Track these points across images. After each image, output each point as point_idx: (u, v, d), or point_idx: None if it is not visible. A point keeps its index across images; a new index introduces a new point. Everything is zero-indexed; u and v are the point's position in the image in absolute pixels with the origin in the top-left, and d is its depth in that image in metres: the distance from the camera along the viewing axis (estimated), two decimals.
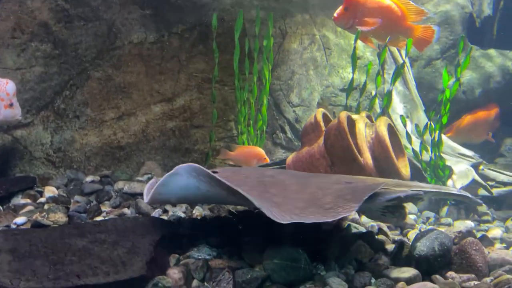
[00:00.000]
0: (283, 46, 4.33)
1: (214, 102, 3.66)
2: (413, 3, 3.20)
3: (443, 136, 3.97)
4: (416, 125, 3.68)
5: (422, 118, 4.04)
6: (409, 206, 3.20)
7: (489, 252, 2.39)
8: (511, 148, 4.72)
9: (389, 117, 3.92)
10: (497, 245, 2.64)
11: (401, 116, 3.75)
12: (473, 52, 4.66)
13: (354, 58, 3.43)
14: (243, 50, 3.66)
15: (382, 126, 2.91)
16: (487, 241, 2.59)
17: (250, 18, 4.00)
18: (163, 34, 3.89)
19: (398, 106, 4.05)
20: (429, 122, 3.40)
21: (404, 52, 4.11)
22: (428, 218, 3.07)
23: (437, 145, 3.30)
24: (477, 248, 2.21)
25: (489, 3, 4.54)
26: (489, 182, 3.39)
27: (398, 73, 3.53)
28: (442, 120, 3.33)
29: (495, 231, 2.80)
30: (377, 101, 4.14)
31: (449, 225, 2.95)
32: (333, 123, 2.92)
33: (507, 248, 2.59)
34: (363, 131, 2.95)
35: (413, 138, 3.71)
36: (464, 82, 4.58)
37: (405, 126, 3.68)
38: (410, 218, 2.97)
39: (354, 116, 3.06)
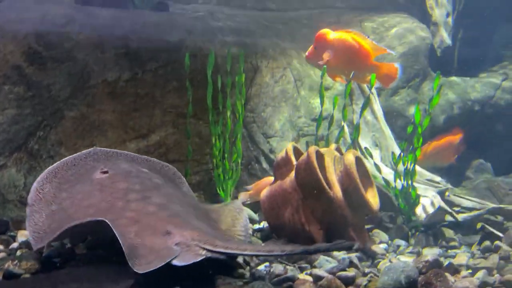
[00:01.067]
0: (255, 80, 4.42)
1: (189, 138, 3.69)
2: (376, 43, 3.37)
3: None
4: (393, 153, 3.77)
5: (390, 146, 4.15)
6: (380, 235, 3.26)
7: (455, 281, 2.45)
8: (478, 170, 4.88)
9: (359, 146, 4.01)
10: (463, 272, 2.71)
11: (366, 148, 3.86)
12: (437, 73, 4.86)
13: (321, 92, 3.54)
14: (216, 86, 3.73)
15: (349, 158, 2.98)
16: (453, 269, 2.66)
17: (222, 54, 4.09)
18: (137, 71, 3.93)
19: (367, 136, 4.16)
20: (401, 154, 3.51)
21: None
22: (398, 247, 3.13)
23: (410, 174, 3.39)
24: (442, 279, 2.28)
25: (448, 34, 4.75)
26: (455, 208, 3.49)
27: (365, 105, 3.65)
28: (416, 153, 3.43)
29: (461, 258, 2.88)
30: (347, 131, 4.24)
31: (417, 253, 3.01)
32: (302, 158, 2.98)
33: (472, 274, 2.67)
34: (332, 164, 3.02)
35: (383, 167, 3.81)
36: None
37: (371, 157, 3.78)
38: (381, 247, 3.03)
39: (323, 150, 3.13)
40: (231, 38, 4.54)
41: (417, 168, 4.04)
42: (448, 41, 4.73)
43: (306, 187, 2.96)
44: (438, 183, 3.87)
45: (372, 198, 3.07)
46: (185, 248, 2.10)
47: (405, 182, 3.41)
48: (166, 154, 3.92)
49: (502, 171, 4.63)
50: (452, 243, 3.21)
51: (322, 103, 3.55)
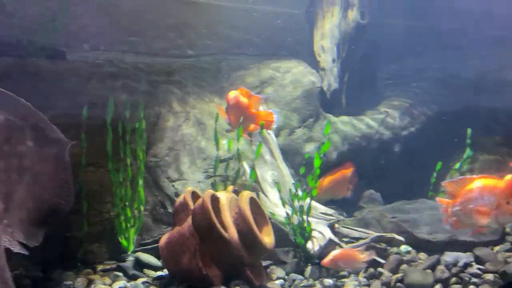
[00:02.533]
0: (158, 125, 4.42)
1: (81, 191, 3.51)
2: (252, 93, 3.70)
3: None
4: (290, 190, 3.95)
5: (288, 183, 4.34)
6: (277, 271, 3.36)
7: None
8: (369, 200, 5.25)
9: (260, 185, 4.16)
10: None
11: (277, 183, 4.05)
12: (328, 120, 5.22)
13: (216, 137, 3.70)
14: (116, 133, 3.68)
15: (243, 200, 3.08)
16: None
17: (123, 101, 4.06)
18: None
19: (267, 174, 4.32)
20: (296, 191, 3.70)
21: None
22: (294, 281, 3.24)
23: (306, 211, 3.58)
24: None
25: (334, 78, 5.18)
26: (344, 239, 3.72)
27: (260, 146, 3.85)
28: (312, 192, 3.66)
29: (348, 287, 3.06)
30: (248, 171, 4.39)
31: (310, 286, 3.14)
32: (198, 203, 3.03)
33: None
34: (228, 207, 3.10)
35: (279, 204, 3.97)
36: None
37: (279, 191, 3.95)
38: (277, 284, 3.12)
39: (219, 193, 3.21)
40: (133, 84, 4.54)
41: (313, 203, 4.27)
42: (335, 84, 5.15)
43: (202, 231, 2.99)
44: (331, 215, 4.11)
45: (267, 236, 3.18)
46: None
47: (301, 218, 3.58)
48: None
49: (390, 199, 5.03)
50: (342, 273, 3.39)
51: (217, 147, 3.70)
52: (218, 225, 2.94)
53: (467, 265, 3.49)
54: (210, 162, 4.73)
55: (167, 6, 5.39)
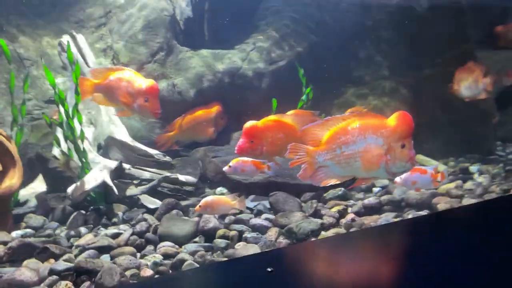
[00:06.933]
0: None
1: None
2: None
3: (122, 139, 3.63)
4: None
5: (105, 123, 3.68)
6: (36, 219, 2.76)
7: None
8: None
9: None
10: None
11: (77, 121, 3.40)
12: (184, 54, 4.47)
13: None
14: None
15: None
16: (49, 254, 2.22)
17: None
18: None
19: (82, 113, 3.65)
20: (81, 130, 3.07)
21: None
22: (44, 230, 2.63)
23: (82, 154, 2.95)
24: None
25: (187, 4, 4.37)
26: (135, 181, 3.10)
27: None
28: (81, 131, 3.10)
29: (89, 237, 2.46)
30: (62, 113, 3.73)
31: (50, 236, 2.54)
32: None
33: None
34: None
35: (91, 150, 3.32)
36: (178, 83, 4.35)
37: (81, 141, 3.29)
38: (18, 232, 2.54)
39: None
40: None
41: (132, 144, 3.64)
42: (188, 12, 4.35)
43: None
44: (152, 156, 3.48)
45: (12, 180, 2.57)
46: None
47: (80, 161, 2.95)
48: None
49: None
50: (115, 219, 2.79)
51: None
52: None
53: (260, 212, 2.89)
54: (36, 102, 4.08)
55: None
